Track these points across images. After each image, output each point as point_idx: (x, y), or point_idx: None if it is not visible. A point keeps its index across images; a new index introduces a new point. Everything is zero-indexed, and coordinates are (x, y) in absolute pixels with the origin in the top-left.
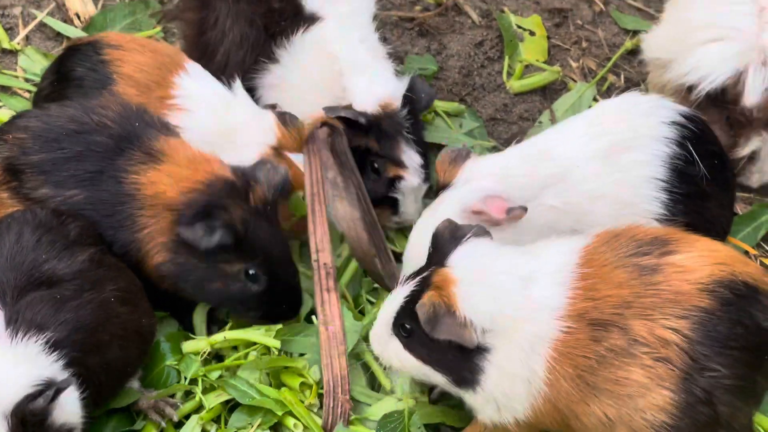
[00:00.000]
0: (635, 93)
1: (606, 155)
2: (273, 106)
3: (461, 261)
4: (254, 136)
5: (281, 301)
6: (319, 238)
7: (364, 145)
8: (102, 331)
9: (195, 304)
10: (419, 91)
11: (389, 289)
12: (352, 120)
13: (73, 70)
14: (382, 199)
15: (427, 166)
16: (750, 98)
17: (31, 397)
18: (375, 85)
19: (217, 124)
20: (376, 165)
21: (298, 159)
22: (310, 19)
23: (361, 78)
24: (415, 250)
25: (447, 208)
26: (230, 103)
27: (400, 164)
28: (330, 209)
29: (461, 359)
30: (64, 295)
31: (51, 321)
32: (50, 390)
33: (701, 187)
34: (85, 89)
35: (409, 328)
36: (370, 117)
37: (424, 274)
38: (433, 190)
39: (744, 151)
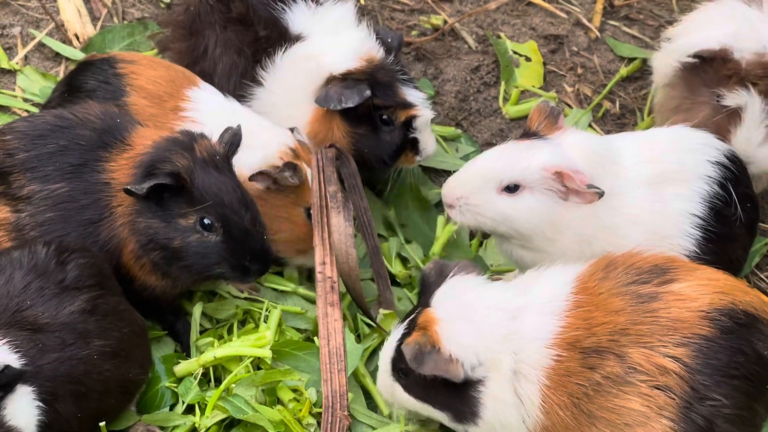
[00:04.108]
0: (687, 127)
1: (651, 183)
2: (291, 130)
3: (444, 300)
4: (274, 137)
5: (243, 251)
6: (324, 251)
7: (371, 105)
8: (79, 384)
9: (181, 312)
10: (386, 35)
11: (366, 312)
12: (356, 97)
13: (86, 82)
14: (401, 146)
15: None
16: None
17: None
18: (348, 44)
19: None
20: (385, 117)
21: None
22: (295, 39)
23: (334, 46)
24: (476, 176)
25: (537, 152)
26: (236, 113)
27: (409, 105)
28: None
29: (456, 395)
30: (46, 344)
31: (29, 355)
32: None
33: (732, 229)
34: (97, 101)
35: (405, 370)
36: (360, 74)
37: (412, 316)
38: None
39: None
